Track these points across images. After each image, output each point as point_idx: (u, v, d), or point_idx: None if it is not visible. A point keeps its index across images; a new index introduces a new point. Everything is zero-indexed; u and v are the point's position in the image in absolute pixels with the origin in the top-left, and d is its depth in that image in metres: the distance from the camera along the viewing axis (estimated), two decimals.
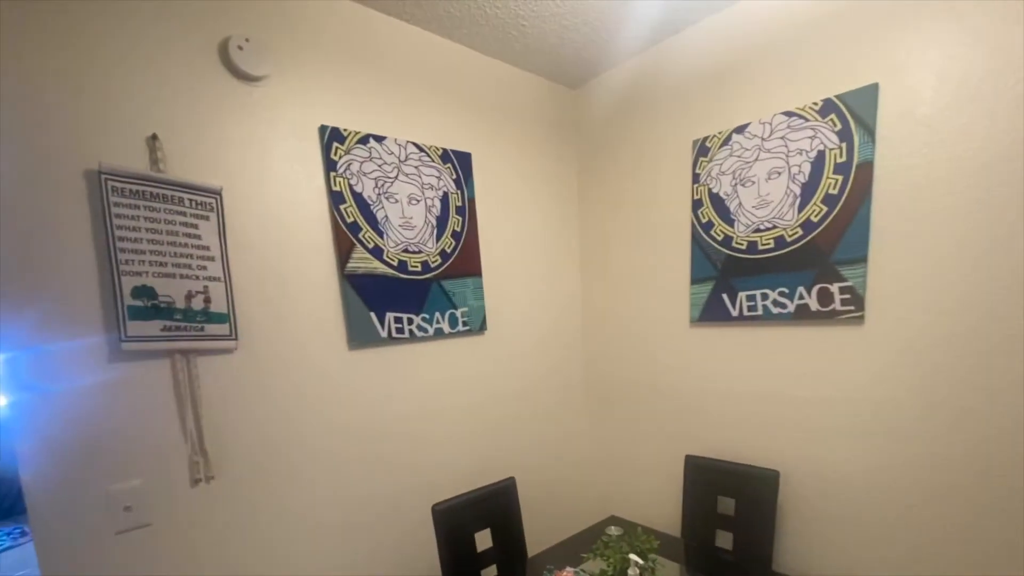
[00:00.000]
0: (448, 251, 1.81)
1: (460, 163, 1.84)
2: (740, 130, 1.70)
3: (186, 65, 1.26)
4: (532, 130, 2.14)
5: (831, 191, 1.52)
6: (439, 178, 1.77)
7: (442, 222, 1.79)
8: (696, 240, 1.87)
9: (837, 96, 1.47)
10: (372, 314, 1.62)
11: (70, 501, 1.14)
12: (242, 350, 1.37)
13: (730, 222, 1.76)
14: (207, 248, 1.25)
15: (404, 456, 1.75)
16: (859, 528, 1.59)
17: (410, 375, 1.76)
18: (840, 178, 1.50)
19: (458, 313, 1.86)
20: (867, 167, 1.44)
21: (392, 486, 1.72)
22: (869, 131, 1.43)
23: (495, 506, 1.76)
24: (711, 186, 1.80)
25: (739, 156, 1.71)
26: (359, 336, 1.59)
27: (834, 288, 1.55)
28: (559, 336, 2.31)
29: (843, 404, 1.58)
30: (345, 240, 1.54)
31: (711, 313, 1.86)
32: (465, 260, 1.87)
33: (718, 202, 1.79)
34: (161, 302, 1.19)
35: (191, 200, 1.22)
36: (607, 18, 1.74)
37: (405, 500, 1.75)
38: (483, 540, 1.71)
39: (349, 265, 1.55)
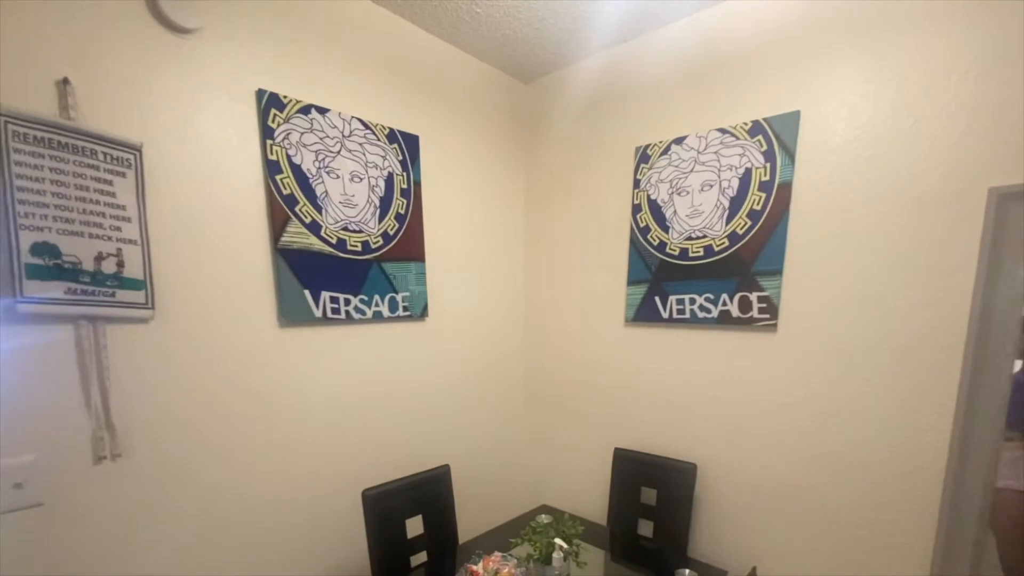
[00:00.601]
0: (391, 233, 1.79)
1: (407, 144, 1.81)
2: (679, 141, 1.80)
3: (108, 8, 1.16)
4: (483, 119, 2.15)
5: (755, 207, 1.64)
6: (384, 158, 1.74)
7: (386, 203, 1.76)
8: (634, 243, 1.96)
9: (765, 119, 1.59)
10: (306, 292, 1.58)
11: None
12: (159, 320, 1.29)
13: (665, 228, 1.86)
14: (122, 208, 1.16)
15: (334, 439, 1.72)
16: (766, 519, 1.73)
17: (345, 357, 1.73)
18: (763, 195, 1.62)
19: (399, 297, 1.85)
20: (787, 187, 1.57)
21: (320, 470, 1.69)
22: (790, 154, 1.55)
23: (428, 493, 1.77)
24: (650, 192, 1.89)
25: (676, 166, 1.81)
26: (291, 314, 1.54)
27: (753, 297, 1.67)
28: (500, 327, 2.34)
29: (756, 404, 1.72)
30: (280, 212, 1.48)
31: (644, 314, 1.95)
32: (408, 244, 1.85)
33: (656, 208, 1.88)
34: (65, 262, 1.10)
35: (105, 154, 1.13)
36: (558, 18, 1.77)
37: (333, 484, 1.72)
38: (414, 527, 1.71)
39: (283, 239, 1.50)
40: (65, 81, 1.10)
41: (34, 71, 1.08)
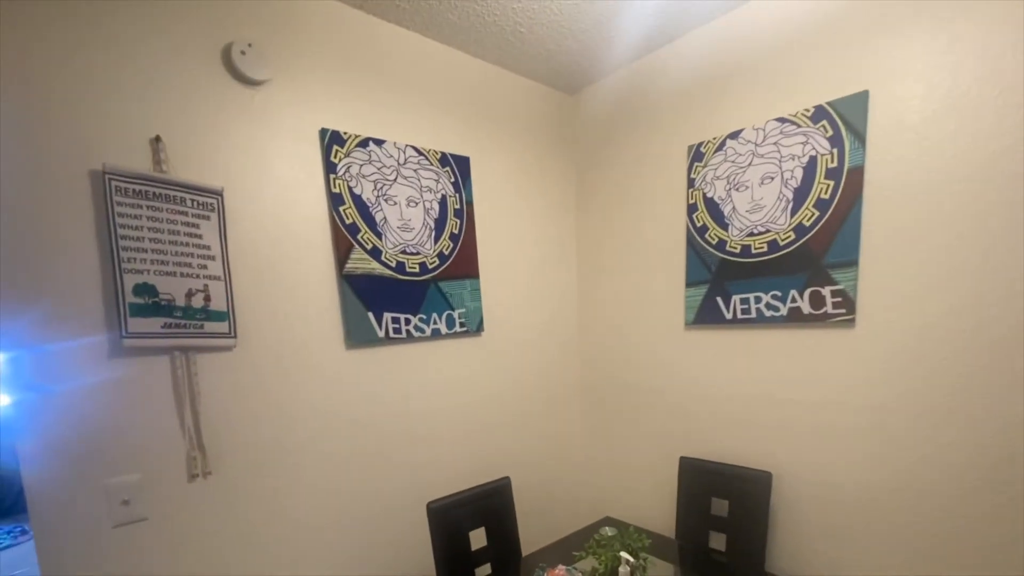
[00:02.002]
0: (446, 253, 1.83)
1: (459, 166, 1.86)
2: (734, 136, 1.73)
3: (190, 69, 1.29)
4: (531, 134, 2.17)
5: (823, 196, 1.54)
6: (437, 181, 1.79)
7: (440, 224, 1.81)
8: (691, 244, 1.89)
9: (828, 103, 1.50)
10: (370, 314, 1.64)
11: (69, 496, 1.16)
12: (241, 348, 1.39)
13: (724, 226, 1.79)
14: (208, 247, 1.27)
15: (400, 454, 1.77)
16: (850, 529, 1.60)
17: (406, 375, 1.78)
18: (831, 183, 1.52)
19: (455, 314, 1.88)
20: (858, 172, 1.47)
21: (388, 484, 1.74)
22: (860, 137, 1.46)
23: (490, 505, 1.78)
24: (705, 191, 1.83)
25: (733, 161, 1.74)
26: (356, 336, 1.61)
27: (826, 291, 1.57)
28: (556, 337, 2.33)
29: (834, 407, 1.60)
30: (344, 241, 1.56)
31: (706, 316, 1.88)
32: (463, 262, 1.89)
33: (712, 206, 1.82)
34: (162, 300, 1.21)
35: (193, 200, 1.24)
36: (602, 26, 1.77)
37: (401, 498, 1.77)
38: (477, 539, 1.72)
39: (348, 266, 1.58)
40: (157, 139, 1.23)
41: (132, 132, 1.21)
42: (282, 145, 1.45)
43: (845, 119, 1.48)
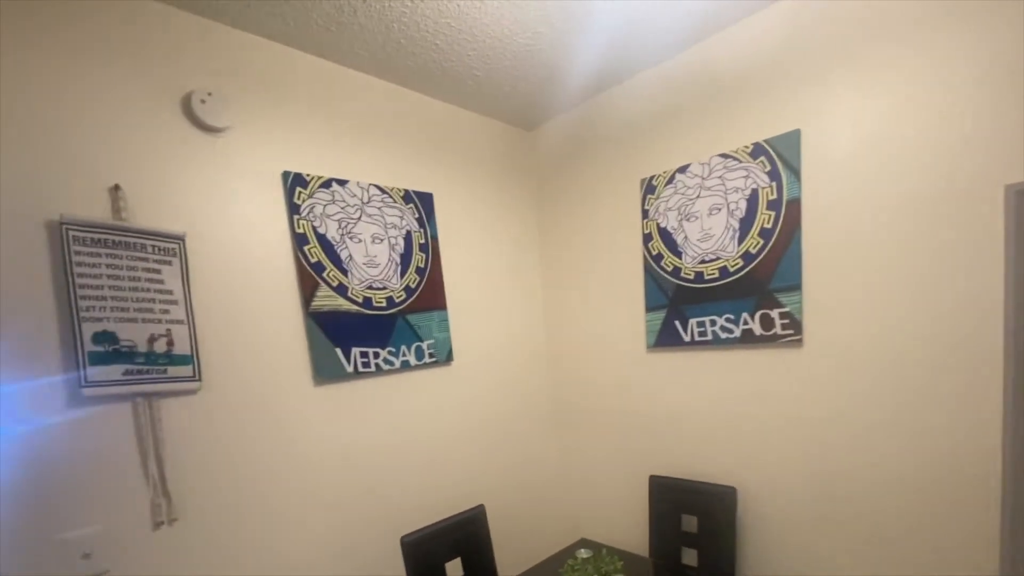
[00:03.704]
0: (412, 287, 1.87)
1: (422, 203, 1.92)
2: (682, 170, 1.84)
3: (150, 119, 1.31)
4: (492, 170, 2.25)
5: (765, 225, 1.65)
6: (402, 218, 1.84)
7: (406, 259, 1.85)
8: (648, 271, 1.98)
9: (765, 140, 1.62)
10: (338, 350, 1.66)
11: (27, 548, 1.13)
12: (206, 390, 1.39)
13: (678, 254, 1.88)
14: (170, 292, 1.28)
15: (373, 488, 1.77)
16: (811, 538, 1.68)
17: (378, 408, 1.79)
18: (773, 214, 1.63)
19: (424, 345, 1.91)
20: (795, 204, 1.58)
21: (361, 519, 1.74)
22: (795, 172, 1.57)
23: (465, 535, 1.79)
24: (659, 221, 1.93)
25: (683, 193, 1.84)
26: (325, 372, 1.63)
27: (774, 313, 1.67)
28: (525, 364, 2.37)
29: (788, 421, 1.69)
30: (309, 279, 1.59)
31: (666, 339, 1.96)
32: (430, 294, 1.93)
33: (666, 236, 1.91)
34: (123, 346, 1.21)
35: (154, 246, 1.26)
36: (553, 70, 1.86)
37: (375, 532, 1.76)
38: (454, 570, 1.73)
39: (314, 303, 1.60)
40: (116, 187, 1.24)
41: (90, 181, 1.22)
42: (245, 189, 1.47)
43: (781, 155, 1.59)
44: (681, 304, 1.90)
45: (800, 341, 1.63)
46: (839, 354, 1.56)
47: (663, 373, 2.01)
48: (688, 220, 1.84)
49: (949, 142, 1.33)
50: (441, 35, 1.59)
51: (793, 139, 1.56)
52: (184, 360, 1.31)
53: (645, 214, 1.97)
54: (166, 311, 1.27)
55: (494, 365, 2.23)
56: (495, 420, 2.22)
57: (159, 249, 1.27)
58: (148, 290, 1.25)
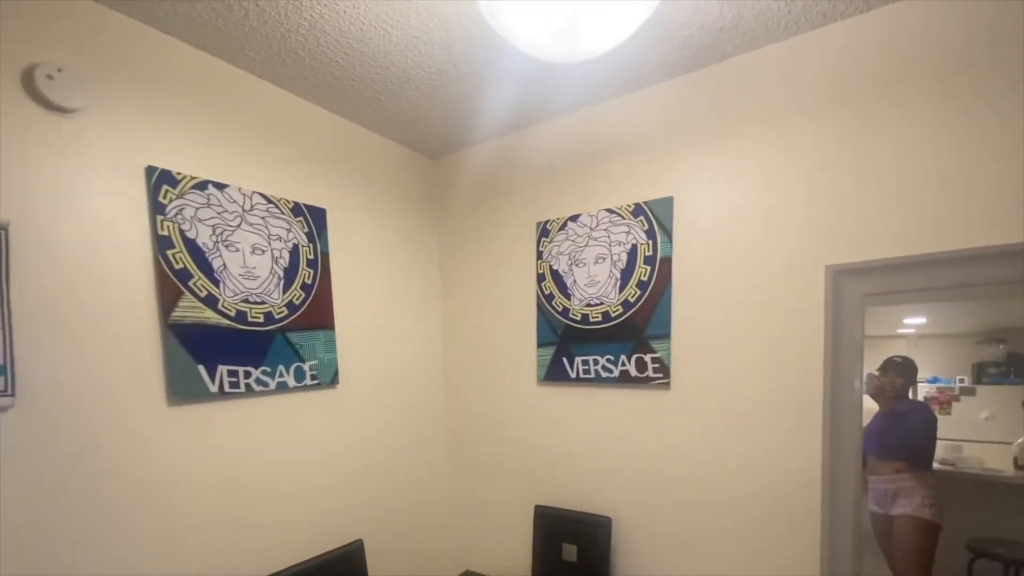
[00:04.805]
0: (296, 303, 1.77)
1: (314, 217, 1.83)
2: (574, 219, 1.96)
3: None
4: (393, 193, 2.20)
5: (642, 278, 1.80)
6: (289, 230, 1.74)
7: (290, 273, 1.75)
8: (540, 308, 2.07)
9: (645, 202, 1.78)
10: (200, 367, 1.51)
11: None
12: (21, 407, 1.19)
13: (567, 296, 1.99)
14: None
15: (234, 521, 1.62)
16: (676, 558, 1.82)
17: (244, 432, 1.65)
18: (648, 268, 1.79)
19: (305, 366, 1.81)
20: (667, 261, 1.75)
21: (216, 556, 1.57)
22: (668, 233, 1.74)
23: (339, 573, 1.67)
24: (552, 263, 2.02)
25: (573, 240, 1.96)
26: (182, 390, 1.47)
27: (647, 358, 1.81)
28: (418, 392, 2.33)
29: (659, 457, 1.83)
30: (171, 287, 1.44)
31: (554, 374, 2.04)
32: (316, 312, 1.84)
33: (557, 277, 2.01)
34: None
35: None
36: (458, 107, 1.90)
37: (232, 572, 1.60)
38: None
39: (175, 314, 1.45)
40: None
41: None
42: (96, 180, 1.30)
43: (657, 217, 1.76)
44: (569, 342, 1.99)
45: (668, 384, 1.78)
46: (701, 398, 1.73)
47: (551, 406, 2.09)
48: (577, 265, 1.95)
49: (786, 224, 1.55)
50: (342, 53, 1.55)
51: (667, 204, 1.74)
52: None
53: (540, 255, 2.06)
54: None
55: (385, 391, 2.16)
56: (382, 448, 2.15)
57: None
58: None
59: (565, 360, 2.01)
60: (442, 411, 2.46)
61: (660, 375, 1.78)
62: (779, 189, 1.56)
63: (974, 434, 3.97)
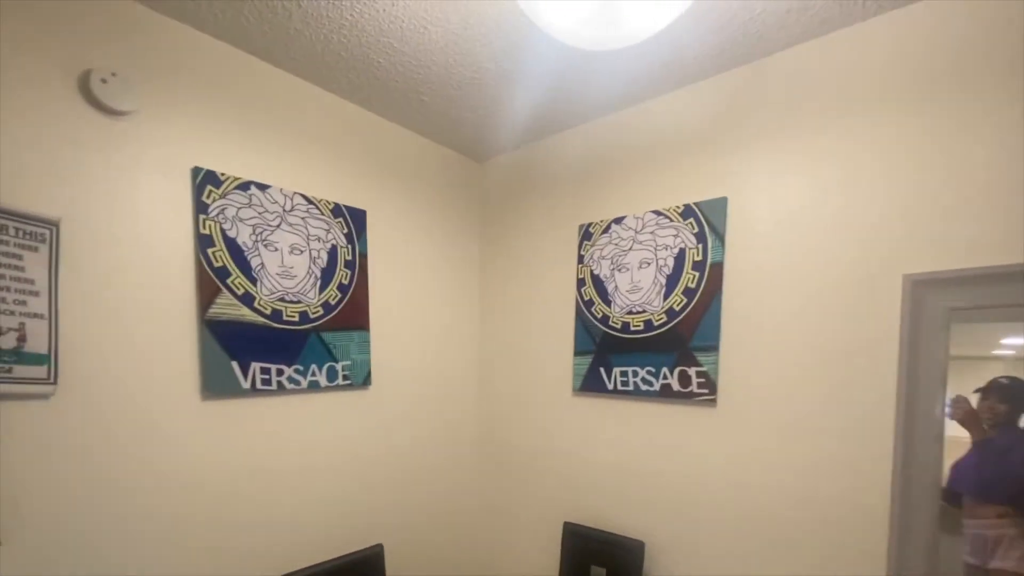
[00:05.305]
0: (332, 303, 1.77)
1: (353, 218, 1.84)
2: (618, 221, 1.86)
3: (37, 92, 1.18)
4: (434, 194, 2.19)
5: (690, 285, 1.68)
6: (328, 231, 1.75)
7: (327, 274, 1.75)
8: (579, 315, 1.97)
9: (695, 203, 1.67)
10: (234, 363, 1.53)
11: None
12: (64, 395, 1.22)
13: (608, 302, 1.88)
14: (31, 282, 1.13)
15: (259, 517, 1.61)
16: None
17: (275, 430, 1.65)
18: (697, 274, 1.66)
19: (338, 366, 1.80)
20: (719, 267, 1.62)
21: (240, 551, 1.57)
22: (720, 236, 1.62)
23: None
24: (593, 268, 1.93)
25: (616, 244, 1.86)
26: (215, 386, 1.49)
27: (692, 372, 1.68)
28: (451, 397, 2.28)
29: (702, 480, 1.68)
30: (210, 284, 1.46)
31: (591, 384, 1.94)
32: (351, 313, 1.83)
33: (598, 283, 1.92)
34: None
35: (17, 229, 1.11)
36: (500, 106, 1.86)
37: (252, 568, 1.59)
38: None
39: (212, 310, 1.47)
40: None
41: None
42: (144, 180, 1.35)
43: (708, 219, 1.64)
44: (607, 352, 1.89)
45: (714, 401, 1.64)
46: (751, 418, 1.57)
47: (586, 418, 1.98)
48: (620, 271, 1.85)
49: (856, 227, 1.40)
50: (384, 53, 1.56)
51: (720, 205, 1.61)
52: (38, 359, 1.16)
53: (581, 259, 1.98)
54: (22, 302, 1.12)
55: (417, 394, 2.12)
56: (411, 452, 2.10)
57: (24, 233, 1.12)
58: (2, 276, 1.10)
59: (603, 370, 1.90)
60: (473, 418, 2.40)
61: (705, 391, 1.64)
62: (851, 188, 1.40)
63: None
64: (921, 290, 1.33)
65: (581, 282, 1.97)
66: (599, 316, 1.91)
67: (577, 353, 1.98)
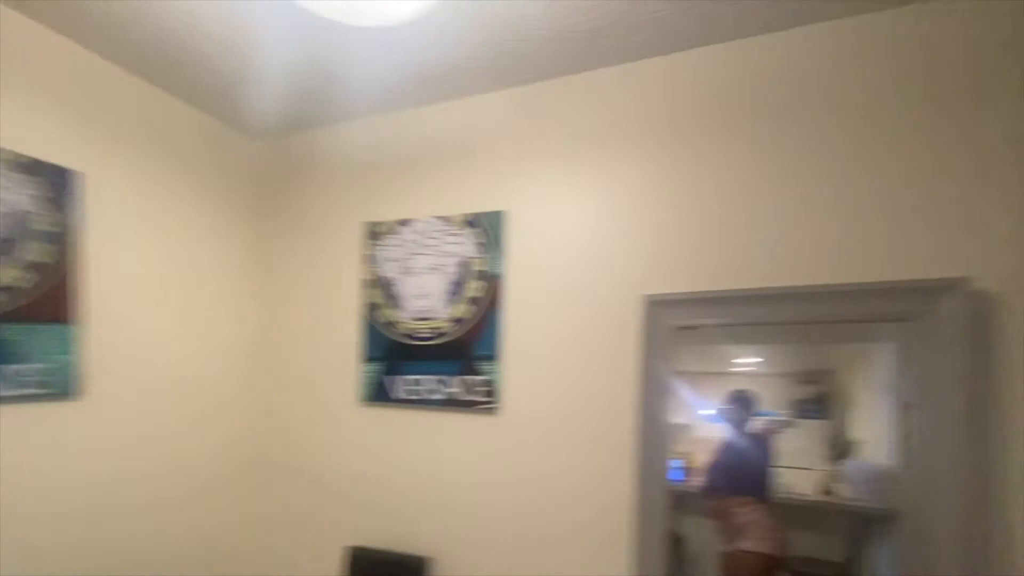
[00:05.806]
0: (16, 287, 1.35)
1: (53, 180, 1.44)
2: (405, 223, 1.80)
3: None
4: (185, 164, 1.84)
5: (476, 294, 1.68)
6: (11, 192, 1.33)
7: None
8: (367, 319, 1.86)
9: (479, 212, 1.69)
10: None
11: None
12: None
13: (396, 307, 1.81)
14: None
15: None
16: None
17: None
18: (481, 284, 1.68)
19: (18, 369, 1.37)
20: (499, 279, 1.66)
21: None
22: (501, 249, 1.65)
23: None
24: (380, 269, 1.84)
25: (404, 247, 1.80)
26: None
27: (475, 380, 1.68)
28: (211, 408, 1.95)
29: (487, 488, 1.68)
30: None
31: (378, 393, 1.83)
32: (48, 303, 1.43)
33: (387, 286, 1.83)
34: None
35: None
36: (257, 78, 1.66)
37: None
38: None
39: None
40: None
41: None
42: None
43: (490, 231, 1.67)
44: (396, 359, 1.80)
45: (496, 409, 1.66)
46: (523, 426, 1.63)
47: (373, 430, 1.86)
48: (407, 274, 1.79)
49: (609, 250, 1.54)
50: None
51: (499, 218, 1.65)
52: None
53: (367, 259, 1.87)
54: None
55: (160, 404, 1.76)
56: (147, 477, 1.73)
57: None
58: None
59: (391, 379, 1.80)
60: (246, 432, 2.08)
61: (488, 399, 1.65)
62: (606, 214, 1.54)
63: (789, 462, 4.50)
64: (655, 309, 1.50)
65: (368, 283, 1.86)
66: (387, 321, 1.81)
67: (366, 360, 1.85)
